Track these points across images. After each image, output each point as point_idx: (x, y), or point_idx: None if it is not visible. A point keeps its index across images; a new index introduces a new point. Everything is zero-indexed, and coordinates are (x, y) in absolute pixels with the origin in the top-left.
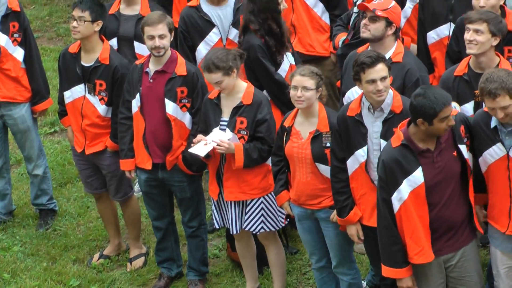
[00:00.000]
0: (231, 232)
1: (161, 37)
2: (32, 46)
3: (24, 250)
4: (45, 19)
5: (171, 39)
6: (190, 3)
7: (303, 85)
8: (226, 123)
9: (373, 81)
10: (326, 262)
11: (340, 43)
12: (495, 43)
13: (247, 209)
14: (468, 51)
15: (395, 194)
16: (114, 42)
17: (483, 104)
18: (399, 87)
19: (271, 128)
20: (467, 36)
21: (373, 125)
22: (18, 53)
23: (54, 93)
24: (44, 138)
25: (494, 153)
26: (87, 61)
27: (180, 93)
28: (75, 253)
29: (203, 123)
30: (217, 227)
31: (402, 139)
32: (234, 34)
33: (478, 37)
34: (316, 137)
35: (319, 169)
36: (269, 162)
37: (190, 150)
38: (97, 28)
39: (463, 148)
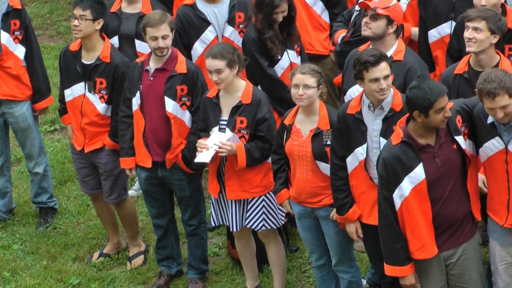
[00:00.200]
0: (231, 230)
1: (164, 37)
2: (33, 44)
3: (24, 248)
4: (46, 17)
5: (172, 37)
6: (185, 2)
7: (304, 83)
8: (225, 123)
9: (377, 80)
10: (326, 260)
11: (339, 39)
12: (494, 41)
13: (249, 207)
14: (467, 49)
15: (396, 191)
16: (115, 40)
17: None
18: (400, 85)
19: (272, 127)
20: (466, 34)
21: (373, 123)
22: (19, 51)
23: (54, 91)
24: (45, 136)
25: (492, 146)
26: (88, 59)
27: (180, 91)
28: (75, 251)
29: (203, 121)
30: (214, 225)
31: (402, 136)
32: (229, 31)
33: (477, 35)
34: (316, 135)
35: (319, 167)
36: (269, 160)
37: (195, 160)
38: (98, 27)
39: (460, 139)
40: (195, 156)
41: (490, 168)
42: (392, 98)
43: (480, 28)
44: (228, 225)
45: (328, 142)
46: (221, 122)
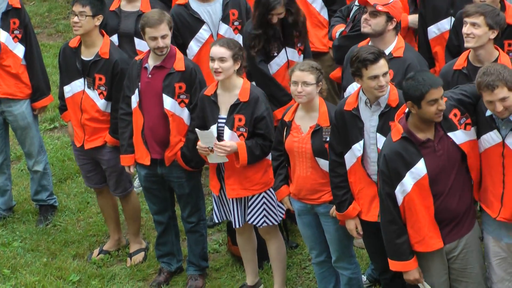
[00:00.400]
0: (233, 226)
1: (163, 37)
2: (32, 43)
3: (24, 246)
4: (45, 15)
5: (172, 35)
6: (178, 1)
7: (303, 80)
8: (224, 121)
9: (376, 77)
10: (326, 256)
11: (337, 34)
12: (493, 36)
13: (249, 204)
14: (466, 44)
15: (398, 187)
16: (115, 38)
17: None
18: (400, 81)
19: (270, 124)
20: (465, 29)
21: (370, 119)
22: (19, 50)
23: (54, 89)
24: (44, 134)
25: (490, 138)
26: (87, 55)
27: (178, 88)
28: (75, 248)
29: (200, 119)
30: (217, 221)
31: (402, 132)
32: (224, 29)
33: (475, 31)
34: (316, 132)
35: (319, 163)
36: (269, 156)
37: (210, 161)
38: (98, 23)
39: (456, 134)
40: (195, 155)
41: (486, 160)
42: (388, 93)
43: (478, 23)
44: (231, 220)
45: (328, 139)
46: (219, 120)
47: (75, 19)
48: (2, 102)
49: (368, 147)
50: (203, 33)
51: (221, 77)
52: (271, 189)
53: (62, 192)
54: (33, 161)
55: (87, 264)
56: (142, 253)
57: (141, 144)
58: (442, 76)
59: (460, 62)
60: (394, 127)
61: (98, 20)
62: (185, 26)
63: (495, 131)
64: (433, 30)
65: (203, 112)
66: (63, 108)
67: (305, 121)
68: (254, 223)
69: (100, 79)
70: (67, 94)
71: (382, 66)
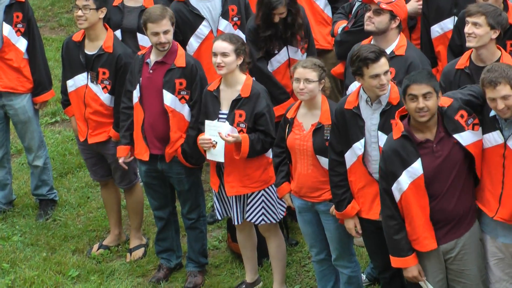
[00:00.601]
0: (233, 223)
1: (165, 32)
2: (35, 37)
3: (23, 240)
4: (48, 9)
5: (173, 31)
6: None
7: (305, 77)
8: (225, 116)
9: (377, 76)
10: (326, 254)
11: (340, 30)
12: (494, 36)
13: (248, 201)
14: (467, 44)
15: (394, 185)
16: (118, 34)
17: None
18: (402, 80)
19: (271, 121)
20: (466, 29)
21: (371, 118)
22: (21, 44)
23: (56, 83)
24: (45, 128)
25: (492, 139)
26: (90, 49)
27: (179, 84)
28: (74, 243)
29: (203, 115)
30: (219, 218)
31: (403, 130)
32: (224, 25)
33: (476, 30)
34: (318, 130)
35: (319, 161)
36: (269, 154)
37: (208, 158)
38: (102, 16)
39: (462, 135)
40: (195, 152)
41: (486, 160)
42: (389, 91)
43: (480, 23)
44: (231, 216)
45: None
46: (220, 116)
47: (79, 12)
48: (3, 95)
49: (369, 146)
50: (203, 29)
51: (223, 71)
52: (270, 187)
53: (63, 186)
54: (33, 156)
55: (86, 259)
56: (142, 249)
57: (141, 139)
58: (444, 75)
59: (462, 62)
60: (395, 125)
61: (102, 13)
62: (185, 23)
63: (498, 131)
64: (436, 30)
65: (206, 108)
66: (65, 103)
67: (307, 118)
68: (253, 220)
69: (104, 73)
70: (70, 88)
71: (383, 65)
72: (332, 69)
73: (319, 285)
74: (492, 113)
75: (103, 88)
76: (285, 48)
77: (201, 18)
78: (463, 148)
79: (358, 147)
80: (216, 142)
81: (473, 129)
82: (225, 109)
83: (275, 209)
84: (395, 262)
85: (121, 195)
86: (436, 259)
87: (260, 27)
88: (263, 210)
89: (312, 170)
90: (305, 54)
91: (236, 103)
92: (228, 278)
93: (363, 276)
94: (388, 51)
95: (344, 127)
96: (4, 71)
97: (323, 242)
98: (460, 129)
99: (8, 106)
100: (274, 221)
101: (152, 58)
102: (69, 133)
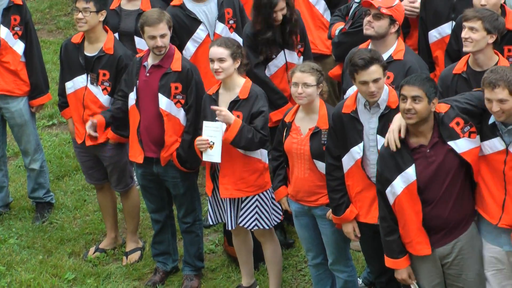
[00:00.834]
0: (227, 228)
1: (162, 36)
2: (33, 40)
3: (20, 243)
4: (45, 12)
5: (170, 35)
6: (173, 3)
7: (303, 81)
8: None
9: (366, 83)
10: (323, 259)
11: (337, 32)
12: (491, 40)
13: (242, 206)
14: (464, 49)
15: (388, 188)
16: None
17: None
18: None
19: (265, 121)
20: (463, 33)
21: (369, 122)
22: (18, 47)
23: (53, 86)
24: (42, 130)
25: (493, 145)
26: (90, 51)
27: (174, 88)
28: (71, 246)
29: (202, 119)
30: (212, 223)
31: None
32: (220, 28)
33: (473, 35)
34: (315, 134)
35: (316, 166)
36: (265, 159)
37: (204, 159)
38: (102, 18)
39: (457, 143)
40: (190, 157)
41: (486, 166)
42: (388, 95)
43: (476, 28)
44: (225, 222)
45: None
46: (218, 118)
47: (79, 15)
48: None
49: (367, 150)
50: (200, 33)
51: (221, 77)
52: (265, 193)
53: (59, 189)
54: (30, 159)
55: (82, 262)
56: (138, 252)
57: (136, 142)
58: (442, 80)
59: (459, 66)
60: None
61: (102, 16)
62: (182, 27)
63: (499, 138)
64: (434, 35)
65: (204, 112)
66: (63, 105)
67: (305, 122)
68: (245, 226)
69: (104, 74)
70: (69, 90)
71: (372, 72)
72: (330, 71)
73: None
74: (492, 120)
75: (103, 90)
76: (282, 52)
77: (198, 22)
78: (458, 155)
79: (356, 151)
80: (213, 143)
81: (469, 136)
82: None
83: (269, 215)
84: (387, 261)
85: (117, 199)
86: (431, 263)
87: (260, 30)
88: (256, 216)
89: (309, 174)
90: (302, 57)
91: (234, 104)
92: (224, 282)
93: (360, 281)
94: (386, 55)
95: (342, 131)
96: (1, 74)
97: (319, 246)
98: (455, 136)
99: (4, 109)
100: (267, 227)
101: (149, 62)
102: (66, 136)
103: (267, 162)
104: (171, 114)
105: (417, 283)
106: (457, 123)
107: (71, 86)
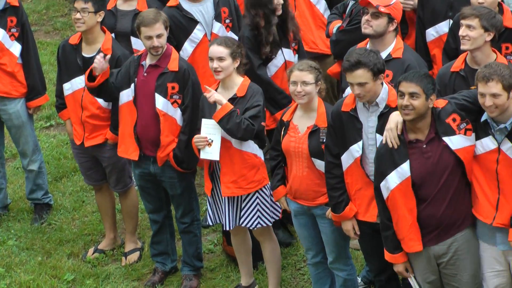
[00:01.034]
0: (224, 228)
1: (158, 36)
2: (29, 41)
3: (19, 244)
4: (42, 13)
5: (167, 35)
6: (169, 3)
7: (302, 79)
8: None
9: (352, 85)
10: (322, 257)
11: (335, 30)
12: (488, 38)
13: (243, 205)
14: (461, 46)
15: (383, 182)
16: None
17: None
18: None
19: (259, 115)
20: (460, 31)
21: (368, 120)
22: (15, 48)
23: (50, 87)
24: (40, 132)
25: (485, 144)
26: (88, 52)
27: (171, 88)
28: (70, 247)
29: (200, 119)
30: (211, 224)
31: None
32: (217, 28)
33: (470, 33)
34: (313, 132)
35: (315, 164)
36: (260, 155)
37: (201, 157)
38: (100, 19)
39: (451, 139)
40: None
41: (479, 166)
42: (387, 94)
43: (473, 25)
44: (222, 223)
45: (325, 140)
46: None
47: (77, 15)
48: None
49: (366, 148)
50: (197, 33)
51: (221, 76)
52: (264, 190)
53: (58, 190)
54: (28, 160)
55: (81, 263)
56: (137, 253)
57: (130, 138)
58: (440, 78)
59: (457, 64)
60: None
61: (100, 16)
62: (179, 28)
63: (490, 137)
64: (432, 33)
65: (203, 112)
66: (60, 106)
67: (303, 121)
68: (248, 225)
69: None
70: (67, 92)
71: (357, 76)
72: (329, 69)
73: None
74: (484, 117)
75: None
76: (280, 51)
77: (195, 22)
78: (454, 153)
79: (355, 149)
80: (212, 141)
81: (465, 134)
82: None
83: (270, 211)
84: (386, 255)
85: (115, 199)
86: (424, 260)
87: (264, 27)
88: (258, 214)
89: (308, 173)
90: (297, 56)
91: (232, 101)
92: (223, 281)
93: (359, 279)
94: (385, 53)
95: (341, 130)
96: None
97: (319, 245)
98: (450, 132)
99: (2, 111)
100: (269, 223)
101: (147, 61)
102: (64, 137)
103: (262, 157)
104: (167, 114)
105: (415, 277)
106: (454, 119)
107: (69, 87)
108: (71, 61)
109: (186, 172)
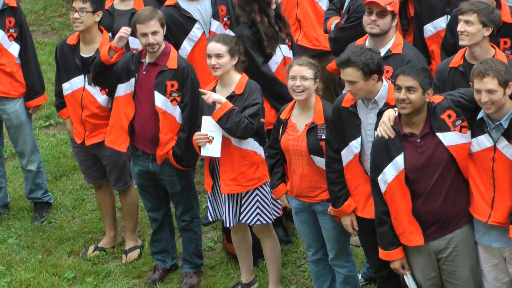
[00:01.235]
0: (225, 225)
1: (154, 33)
2: (28, 42)
3: (19, 243)
4: (40, 13)
5: (164, 33)
6: (167, 2)
7: (301, 74)
8: None
9: (346, 81)
10: (323, 254)
11: (333, 26)
12: (487, 33)
13: (243, 202)
14: (460, 42)
15: (380, 176)
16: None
17: None
18: None
19: (257, 113)
20: (459, 27)
21: (367, 117)
22: (14, 49)
23: (49, 86)
24: (40, 131)
25: (481, 142)
26: (86, 52)
27: (170, 86)
28: (70, 245)
29: (200, 116)
30: (211, 220)
31: (393, 124)
32: (215, 26)
33: (468, 28)
34: (311, 130)
35: (314, 161)
36: (260, 152)
37: (202, 154)
38: (98, 19)
39: (445, 135)
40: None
41: (475, 164)
42: (387, 92)
43: (472, 21)
44: (223, 219)
45: (323, 137)
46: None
47: (76, 15)
48: None
49: (365, 144)
50: (196, 32)
51: (219, 73)
52: (264, 187)
53: (57, 189)
54: (26, 160)
55: (82, 261)
56: (138, 250)
57: (121, 130)
58: (438, 74)
59: (456, 60)
60: None
61: (98, 16)
62: (177, 27)
63: (486, 135)
64: (429, 29)
65: (202, 109)
66: (60, 105)
67: (301, 119)
68: (248, 222)
69: None
70: (66, 92)
71: (347, 74)
72: (328, 65)
73: (315, 285)
74: (480, 115)
75: (101, 90)
76: (278, 48)
77: (193, 21)
78: (446, 148)
79: (354, 145)
80: (213, 138)
81: (460, 131)
82: None
83: (270, 208)
84: (380, 252)
85: (115, 197)
86: (426, 256)
87: (259, 24)
88: (258, 210)
89: (308, 170)
90: (291, 51)
91: (230, 99)
92: (223, 279)
93: (359, 276)
94: (385, 50)
95: (341, 125)
96: None
97: (320, 242)
98: (445, 128)
99: (1, 111)
100: (269, 221)
101: (147, 59)
102: (63, 136)
103: (262, 154)
104: (167, 112)
105: (412, 274)
106: (449, 116)
107: (68, 87)
108: (70, 62)
109: (186, 170)
